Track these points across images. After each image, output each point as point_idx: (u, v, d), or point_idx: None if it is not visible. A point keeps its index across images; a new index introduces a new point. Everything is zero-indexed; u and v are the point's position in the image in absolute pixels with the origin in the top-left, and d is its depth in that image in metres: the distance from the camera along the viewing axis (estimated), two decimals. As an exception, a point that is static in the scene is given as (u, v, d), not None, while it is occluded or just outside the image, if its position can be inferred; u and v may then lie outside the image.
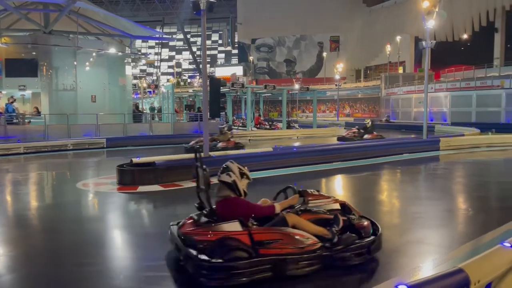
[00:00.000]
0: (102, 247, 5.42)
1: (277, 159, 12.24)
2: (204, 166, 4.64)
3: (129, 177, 9.49)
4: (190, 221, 4.48)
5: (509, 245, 3.66)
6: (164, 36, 62.00)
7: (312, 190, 4.91)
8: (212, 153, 11.01)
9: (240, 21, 69.09)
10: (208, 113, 11.66)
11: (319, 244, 4.29)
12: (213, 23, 78.17)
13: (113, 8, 67.59)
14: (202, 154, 4.75)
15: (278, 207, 4.52)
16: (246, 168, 4.63)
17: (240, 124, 32.71)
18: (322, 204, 4.80)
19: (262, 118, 34.12)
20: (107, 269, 4.66)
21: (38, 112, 21.21)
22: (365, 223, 4.79)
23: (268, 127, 30.38)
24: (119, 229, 6.59)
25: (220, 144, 15.46)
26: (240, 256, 3.92)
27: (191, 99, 39.11)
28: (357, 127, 20.22)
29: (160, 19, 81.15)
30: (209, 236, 4.10)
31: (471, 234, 5.65)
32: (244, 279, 3.85)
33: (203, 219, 4.44)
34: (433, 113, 35.50)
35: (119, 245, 5.79)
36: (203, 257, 3.89)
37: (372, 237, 4.62)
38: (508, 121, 29.02)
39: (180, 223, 4.60)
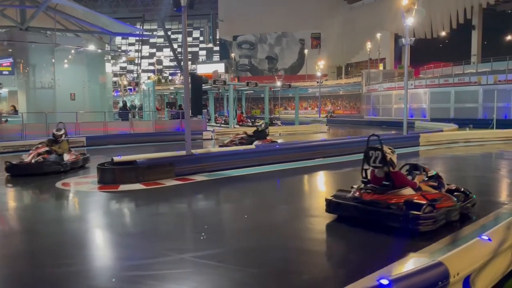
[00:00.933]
0: (83, 247, 5.33)
1: (260, 156, 12.25)
2: (382, 147, 5.95)
3: (110, 176, 9.37)
4: (363, 192, 6.01)
5: (487, 238, 3.74)
6: (145, 33, 61.25)
7: (425, 167, 6.70)
8: (194, 151, 10.95)
9: (221, 18, 68.78)
10: (190, 111, 11.59)
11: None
12: (194, 20, 77.68)
13: (92, 4, 66.37)
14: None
15: (417, 183, 6.10)
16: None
17: (223, 122, 32.63)
18: (430, 174, 6.59)
19: (244, 116, 34.09)
20: (88, 270, 4.59)
21: (15, 111, 20.75)
22: (454, 186, 6.48)
23: (250, 124, 30.37)
24: (100, 228, 6.49)
25: (68, 158, 11.20)
26: (429, 210, 5.44)
27: (172, 96, 38.82)
28: (244, 131, 16.20)
29: (140, 15, 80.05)
30: (397, 199, 5.65)
31: (450, 227, 5.75)
32: (437, 224, 5.44)
33: (379, 188, 5.92)
34: (413, 109, 36.04)
35: (100, 245, 5.71)
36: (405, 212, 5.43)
37: (473, 195, 6.44)
38: (485, 117, 29.65)
39: (352, 195, 6.05)
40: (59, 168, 10.75)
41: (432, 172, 6.59)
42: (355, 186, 6.26)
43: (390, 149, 6.02)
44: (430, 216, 5.39)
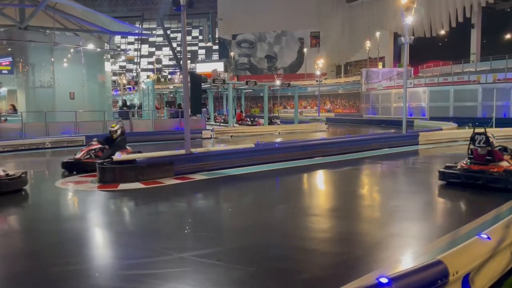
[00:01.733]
0: (83, 246, 5.33)
1: (259, 155, 12.25)
2: (486, 132, 8.20)
3: (110, 175, 9.37)
4: (469, 165, 8.26)
5: (485, 236, 3.75)
6: (144, 32, 61.24)
7: (509, 148, 8.64)
8: (194, 150, 10.96)
9: (220, 17, 68.69)
10: (190, 110, 11.58)
11: None
12: (193, 19, 77.59)
13: (91, 3, 66.17)
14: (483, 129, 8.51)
15: (506, 158, 8.24)
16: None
17: (222, 121, 32.62)
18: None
19: (244, 114, 34.07)
20: (88, 269, 4.59)
21: (15, 110, 20.73)
22: None
23: (250, 123, 30.35)
24: (100, 227, 6.50)
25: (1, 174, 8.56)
26: None
27: (172, 95, 38.79)
28: (95, 139, 12.08)
29: (140, 14, 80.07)
30: (497, 169, 7.88)
31: (449, 226, 5.76)
32: None
33: (482, 162, 8.10)
34: (412, 108, 36.01)
35: (100, 244, 5.71)
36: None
37: None
38: (484, 115, 29.65)
39: (459, 167, 8.38)
40: (26, 183, 8.90)
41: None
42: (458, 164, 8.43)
43: (491, 133, 8.19)
44: None
